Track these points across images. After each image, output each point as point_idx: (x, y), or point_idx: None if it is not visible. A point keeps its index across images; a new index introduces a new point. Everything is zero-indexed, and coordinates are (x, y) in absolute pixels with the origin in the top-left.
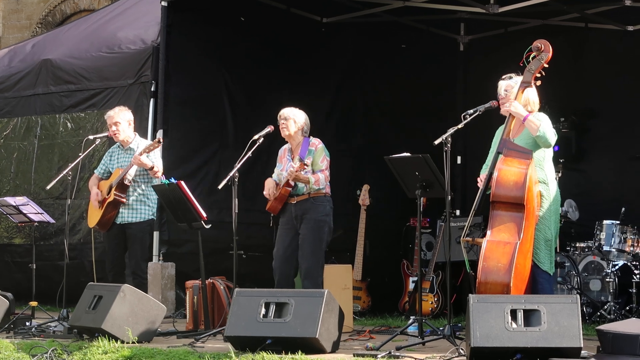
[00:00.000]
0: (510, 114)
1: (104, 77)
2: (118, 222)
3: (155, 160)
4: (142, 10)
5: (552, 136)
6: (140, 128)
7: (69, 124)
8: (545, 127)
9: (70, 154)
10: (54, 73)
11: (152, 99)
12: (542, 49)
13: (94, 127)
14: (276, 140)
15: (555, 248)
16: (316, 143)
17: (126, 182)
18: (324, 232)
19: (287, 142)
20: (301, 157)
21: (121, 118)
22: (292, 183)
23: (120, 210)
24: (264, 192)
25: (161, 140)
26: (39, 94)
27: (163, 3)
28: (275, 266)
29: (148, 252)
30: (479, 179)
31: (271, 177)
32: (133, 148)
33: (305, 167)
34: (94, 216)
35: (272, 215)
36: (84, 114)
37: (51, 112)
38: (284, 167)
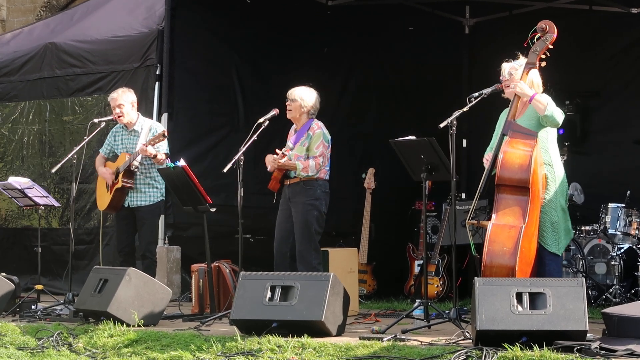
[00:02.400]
0: (515, 95)
1: (109, 60)
2: (127, 205)
3: (161, 147)
4: None
5: (559, 115)
6: (146, 112)
7: (77, 108)
8: (552, 106)
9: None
10: (59, 56)
11: (157, 83)
12: (547, 29)
13: (101, 111)
14: (287, 125)
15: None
16: (315, 128)
17: (133, 168)
18: (312, 215)
19: None
20: (295, 142)
21: (125, 100)
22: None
23: (130, 193)
24: (268, 169)
25: (166, 134)
26: (45, 77)
27: None
28: (274, 246)
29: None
30: (484, 159)
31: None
32: (137, 130)
33: (284, 156)
34: (103, 199)
35: (275, 194)
36: (90, 98)
37: (59, 96)
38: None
